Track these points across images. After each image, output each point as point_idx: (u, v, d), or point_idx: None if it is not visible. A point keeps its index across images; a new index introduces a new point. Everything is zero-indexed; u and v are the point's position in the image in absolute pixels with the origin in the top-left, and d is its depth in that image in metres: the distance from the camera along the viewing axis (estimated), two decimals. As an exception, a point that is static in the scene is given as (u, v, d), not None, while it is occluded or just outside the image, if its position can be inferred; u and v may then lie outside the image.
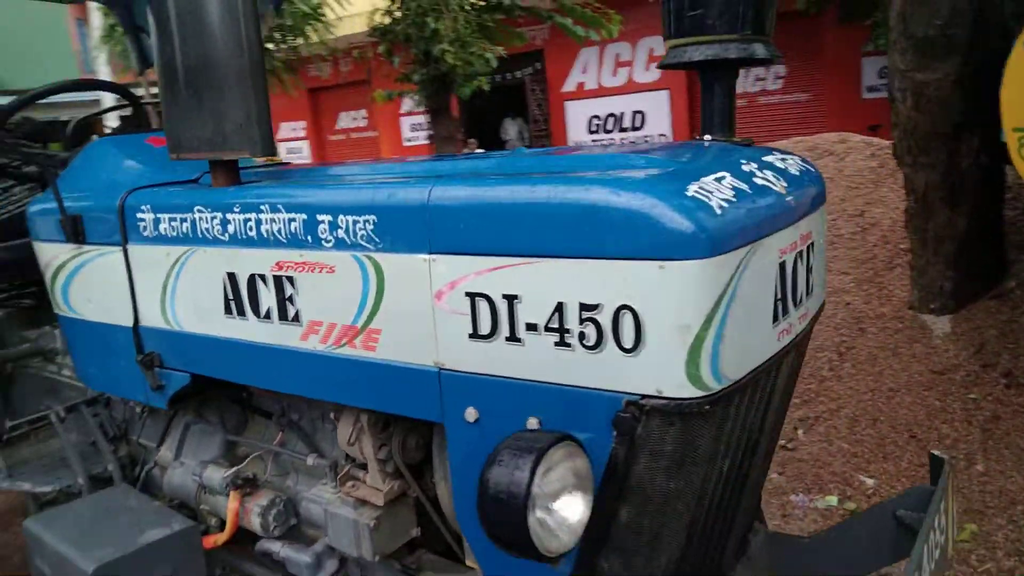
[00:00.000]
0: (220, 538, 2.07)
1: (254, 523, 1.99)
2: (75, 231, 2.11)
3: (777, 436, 1.79)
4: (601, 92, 14.74)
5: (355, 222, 1.54)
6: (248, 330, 1.79)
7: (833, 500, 3.58)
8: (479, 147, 15.78)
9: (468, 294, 1.40)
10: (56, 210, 2.16)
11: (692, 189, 1.25)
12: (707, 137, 1.63)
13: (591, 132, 15.12)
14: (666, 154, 1.46)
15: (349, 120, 16.90)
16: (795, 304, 1.49)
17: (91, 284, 2.18)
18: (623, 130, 14.78)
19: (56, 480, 2.56)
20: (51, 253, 2.26)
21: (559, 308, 1.31)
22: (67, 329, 2.36)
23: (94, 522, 2.04)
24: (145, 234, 1.96)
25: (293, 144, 17.64)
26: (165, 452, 2.34)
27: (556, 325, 1.32)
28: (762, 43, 1.58)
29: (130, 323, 2.06)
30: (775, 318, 1.40)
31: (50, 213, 2.22)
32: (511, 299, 1.36)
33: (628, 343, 1.25)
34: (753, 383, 1.39)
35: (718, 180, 1.33)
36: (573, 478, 1.27)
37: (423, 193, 1.45)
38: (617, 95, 14.56)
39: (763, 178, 1.44)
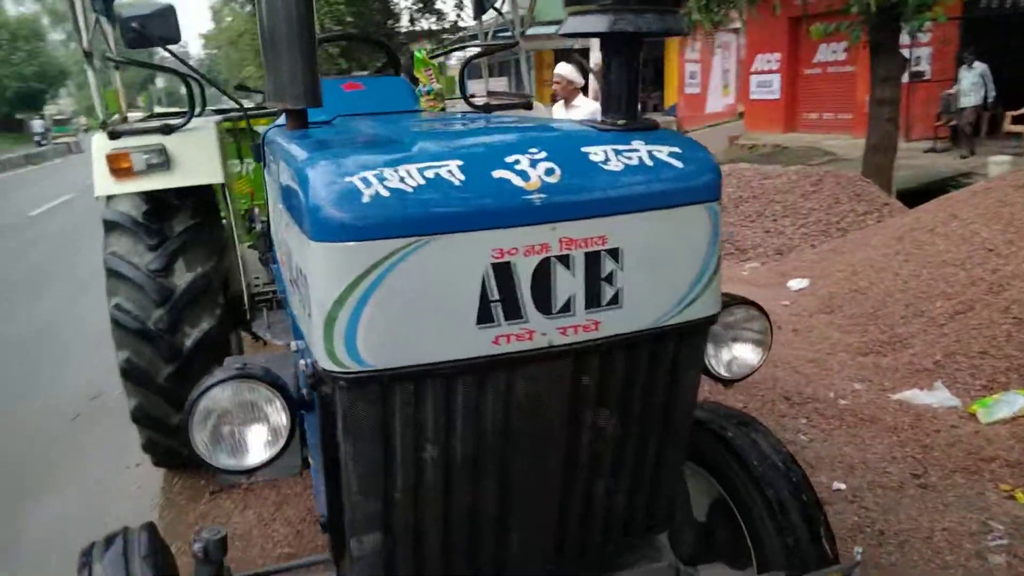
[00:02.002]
0: None
1: None
2: (259, 155, 2.79)
3: (596, 455, 1.56)
4: None
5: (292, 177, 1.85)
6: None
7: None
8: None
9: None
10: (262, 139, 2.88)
11: (358, 176, 1.27)
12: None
13: None
14: (412, 135, 1.42)
15: (828, 53, 15.58)
16: (545, 311, 1.34)
17: (267, 197, 2.88)
18: None
19: (289, 339, 3.45)
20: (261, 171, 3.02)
21: (296, 269, 1.47)
22: None
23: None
24: (268, 163, 2.53)
25: (763, 77, 17.04)
26: None
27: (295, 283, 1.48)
28: (661, 14, 1.38)
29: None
30: (486, 319, 1.31)
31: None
32: (290, 254, 1.55)
33: (307, 310, 1.37)
34: (447, 379, 1.34)
35: (421, 170, 1.29)
36: (253, 410, 1.45)
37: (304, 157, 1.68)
38: None
39: (521, 171, 1.32)
